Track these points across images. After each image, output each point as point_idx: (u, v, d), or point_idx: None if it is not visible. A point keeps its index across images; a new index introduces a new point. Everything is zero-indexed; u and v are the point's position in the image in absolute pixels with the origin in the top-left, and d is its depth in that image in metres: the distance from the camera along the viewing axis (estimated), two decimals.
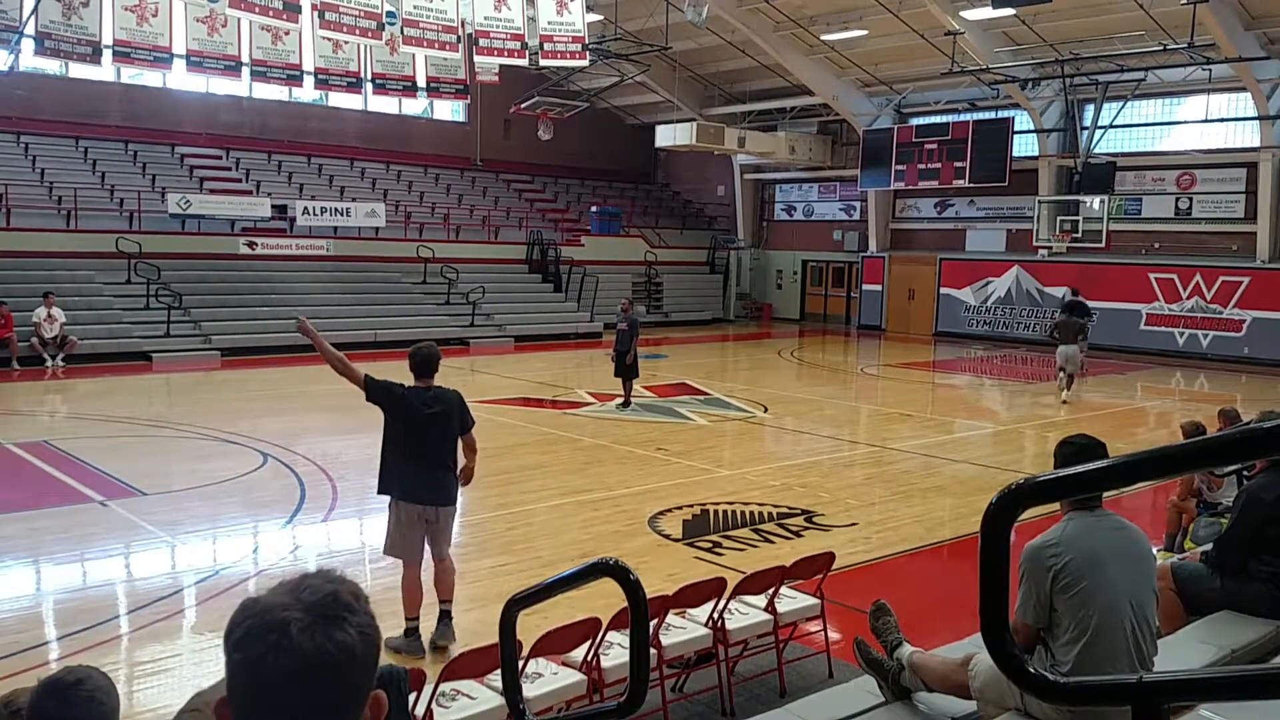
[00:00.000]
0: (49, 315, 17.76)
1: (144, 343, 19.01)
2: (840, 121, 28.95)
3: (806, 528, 8.84)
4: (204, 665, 5.93)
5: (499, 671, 4.27)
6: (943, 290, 27.99)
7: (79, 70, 21.70)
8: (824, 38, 24.88)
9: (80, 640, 6.03)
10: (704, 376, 18.68)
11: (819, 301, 31.90)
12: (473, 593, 6.99)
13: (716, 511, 9.26)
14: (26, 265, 19.24)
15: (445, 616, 6.06)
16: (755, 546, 8.25)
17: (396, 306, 23.25)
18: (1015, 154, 25.45)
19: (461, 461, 6.24)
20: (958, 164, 25.80)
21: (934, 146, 26.31)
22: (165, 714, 4.79)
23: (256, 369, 18.52)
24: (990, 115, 25.90)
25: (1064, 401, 16.38)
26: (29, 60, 19.38)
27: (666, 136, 27.52)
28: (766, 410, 15.26)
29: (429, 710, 3.99)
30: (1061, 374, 16.66)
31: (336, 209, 24.59)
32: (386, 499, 6.14)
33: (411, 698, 3.76)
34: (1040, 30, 22.32)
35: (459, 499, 6.33)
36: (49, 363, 17.50)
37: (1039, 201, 25.16)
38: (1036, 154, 25.47)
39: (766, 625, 5.41)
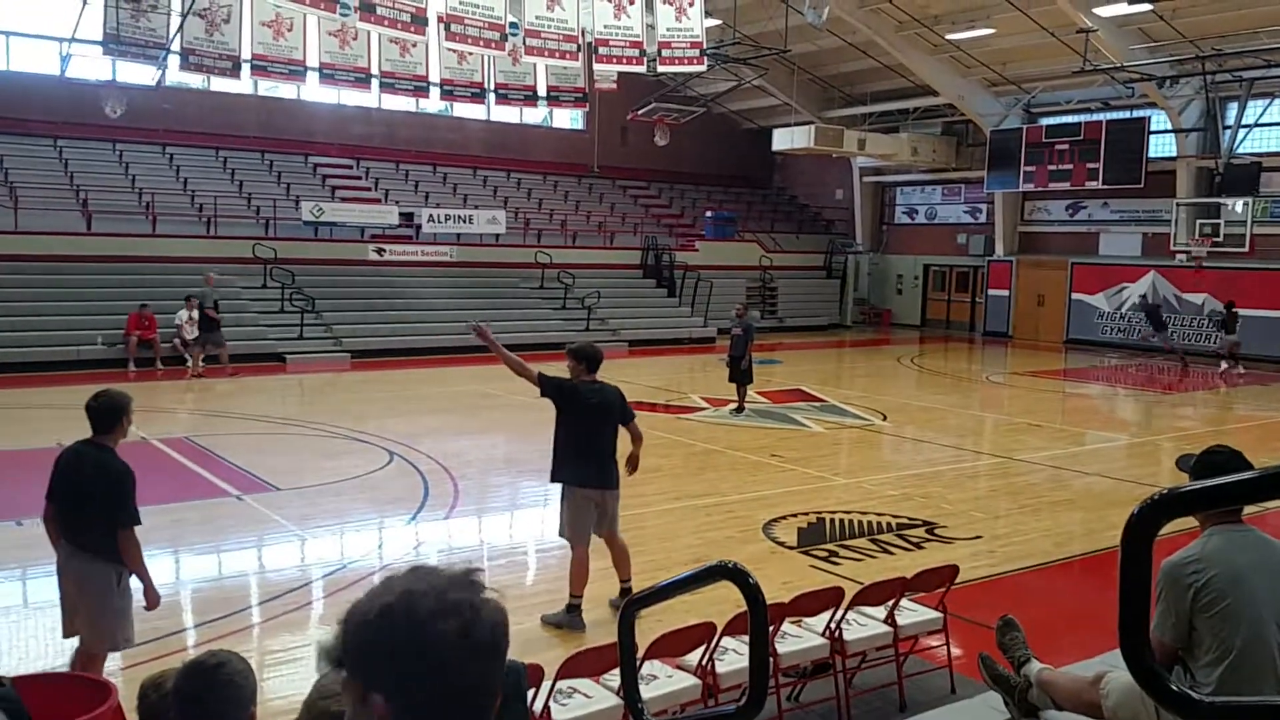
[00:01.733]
0: (190, 318, 18.71)
1: (278, 344, 19.86)
2: (965, 122, 28.21)
3: (928, 539, 8.61)
4: None
5: (615, 671, 4.29)
6: (1074, 296, 26.93)
7: (219, 84, 22.83)
8: (949, 37, 24.28)
9: (216, 628, 6.32)
10: (820, 383, 18.43)
11: (941, 307, 31.10)
12: (588, 594, 7.04)
13: (833, 520, 9.11)
14: (170, 270, 20.31)
15: (625, 594, 6.54)
16: (874, 557, 8.08)
17: (515, 311, 23.69)
18: (1151, 155, 24.31)
19: (625, 450, 6.75)
20: (1090, 165, 24.79)
21: (1065, 147, 25.35)
22: (295, 701, 4.98)
23: (383, 370, 19.13)
24: (1124, 115, 24.83)
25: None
26: (174, 75, 20.49)
27: (784, 140, 27.28)
28: (885, 418, 14.96)
29: (546, 707, 4.04)
30: None
31: (460, 216, 25.23)
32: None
33: (530, 694, 3.81)
34: (1179, 26, 21.30)
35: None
36: (190, 363, 18.44)
37: (1177, 204, 23.98)
38: (1174, 155, 24.28)
39: (886, 637, 5.30)
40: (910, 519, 9.18)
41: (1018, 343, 27.52)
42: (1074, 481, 11.12)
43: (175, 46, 18.21)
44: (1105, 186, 24.86)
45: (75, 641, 5.12)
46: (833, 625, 5.12)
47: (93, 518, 4.80)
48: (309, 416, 14.24)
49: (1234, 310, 21.22)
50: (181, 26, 17.96)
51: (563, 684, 4.22)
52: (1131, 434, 15.01)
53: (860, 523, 9.05)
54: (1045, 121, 26.80)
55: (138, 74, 21.19)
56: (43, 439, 11.89)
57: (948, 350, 26.54)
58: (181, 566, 7.86)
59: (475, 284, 24.13)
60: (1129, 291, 25.72)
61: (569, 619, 6.39)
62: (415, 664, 1.16)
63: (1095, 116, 25.40)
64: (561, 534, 6.70)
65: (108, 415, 4.87)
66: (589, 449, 6.55)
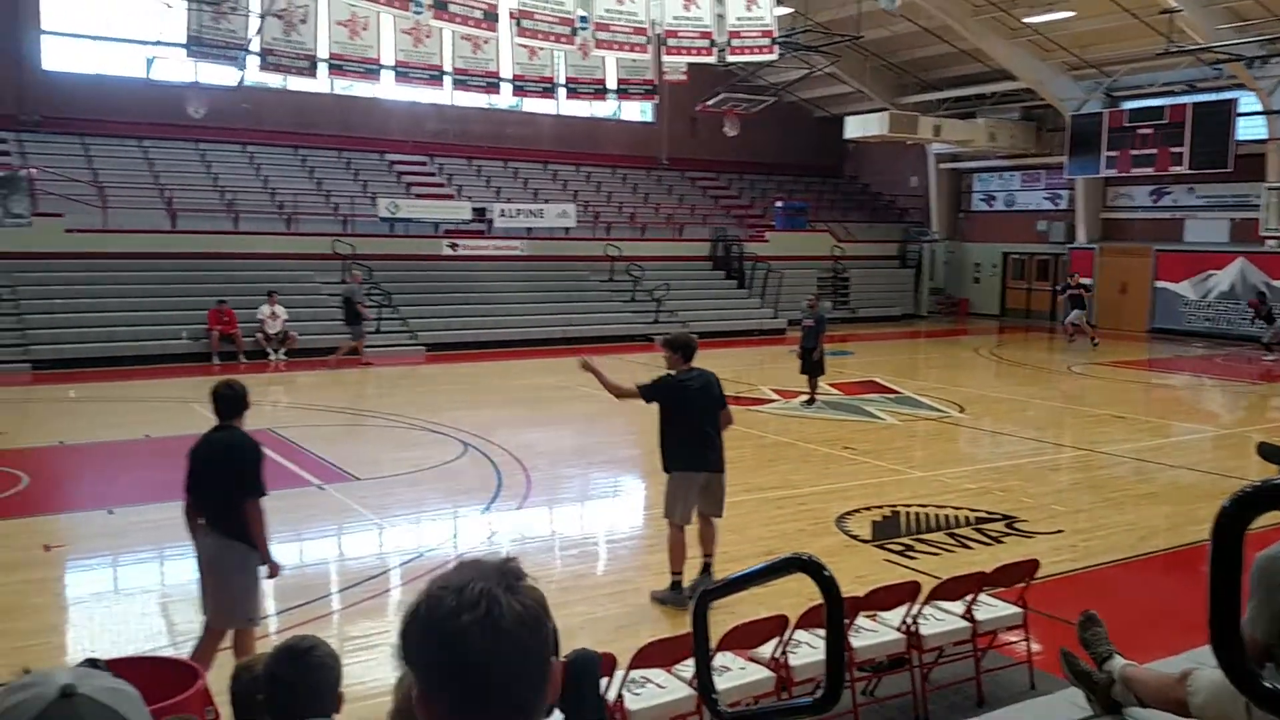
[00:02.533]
0: (272, 312, 19.22)
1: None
2: (1045, 107, 27.48)
3: (1007, 534, 8.45)
4: None
5: (687, 662, 4.30)
6: (1159, 284, 26.10)
7: (297, 84, 23.35)
8: (1027, 20, 23.68)
9: (299, 615, 6.47)
10: (894, 374, 18.17)
11: (1020, 296, 30.38)
12: (659, 585, 7.07)
13: (908, 514, 8.99)
14: (252, 266, 20.86)
15: (707, 568, 6.92)
16: (951, 551, 7.95)
17: (584, 304, 23.80)
18: (1239, 137, 23.39)
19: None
20: (1174, 149, 23.97)
21: (1148, 131, 24.55)
22: (373, 687, 5.08)
23: (457, 363, 19.39)
24: (1211, 97, 23.93)
25: None
26: (254, 75, 21.04)
27: (856, 128, 26.92)
28: (962, 410, 14.69)
29: (620, 696, 4.06)
30: None
31: (530, 210, 25.44)
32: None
33: (603, 682, 3.84)
34: (1269, 3, 20.45)
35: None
36: (272, 356, 18.94)
37: (1268, 189, 23.06)
38: (1265, 137, 23.33)
39: (964, 632, 5.22)
40: (989, 513, 9.01)
41: (1100, 332, 26.78)
42: (1158, 475, 10.80)
43: (254, 47, 18.69)
44: (1191, 171, 24.02)
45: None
46: (909, 620, 5.06)
47: (222, 496, 5.12)
48: (386, 408, 14.52)
49: None
50: (260, 28, 18.42)
51: (635, 673, 4.24)
52: (1219, 426, 14.51)
53: (937, 517, 8.91)
54: (1128, 105, 25.97)
55: (219, 75, 21.79)
56: (131, 431, 12.35)
57: (1027, 340, 25.95)
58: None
59: (545, 277, 24.32)
60: (1215, 280, 24.85)
61: (672, 596, 6.73)
62: (440, 655, 1.21)
63: (1180, 99, 24.53)
64: (667, 515, 6.96)
65: (237, 402, 5.27)
66: (698, 435, 6.84)
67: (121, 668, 3.58)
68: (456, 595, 1.21)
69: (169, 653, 5.80)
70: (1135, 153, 24.82)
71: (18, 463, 10.42)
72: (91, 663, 1.49)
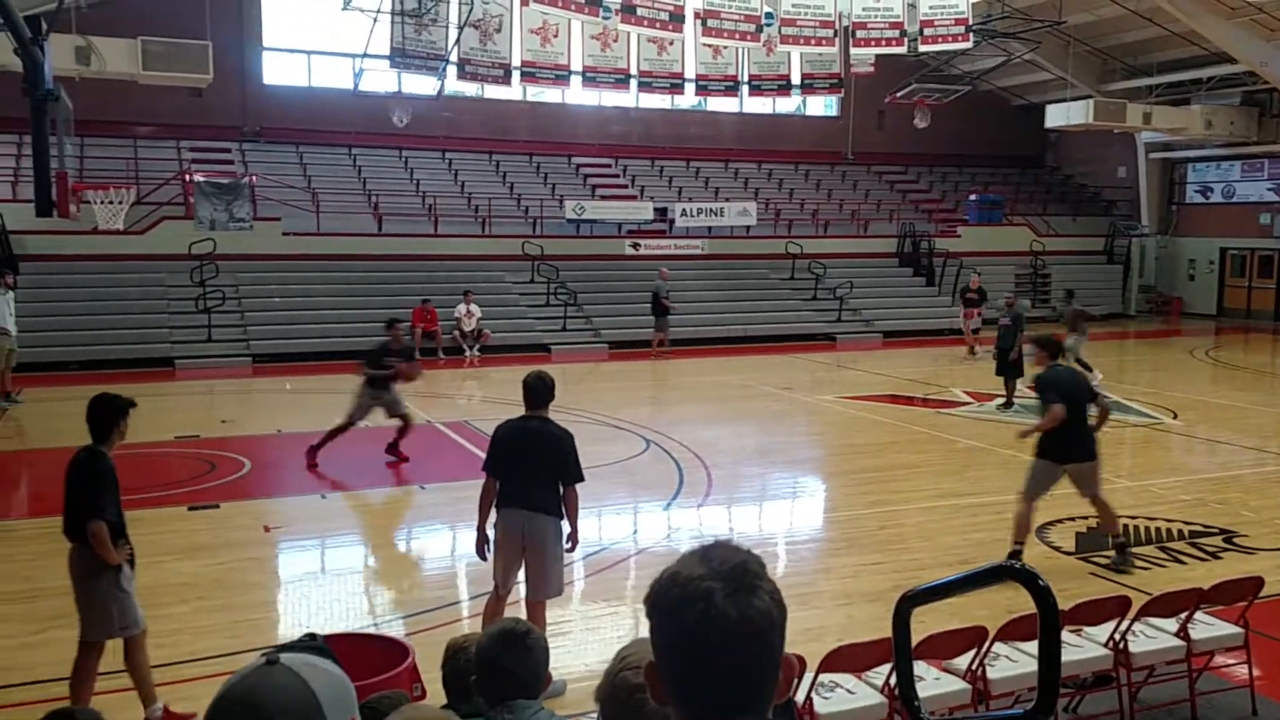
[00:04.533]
0: (468, 311, 20.10)
1: (544, 336, 20.88)
2: (1269, 90, 25.22)
3: (1225, 549, 7.83)
4: (596, 631, 6.40)
5: (879, 669, 4.19)
6: None
7: (492, 91, 24.28)
8: None
9: (481, 605, 6.69)
10: (1099, 377, 17.11)
11: (1241, 295, 28.04)
12: (843, 588, 6.93)
13: None
14: (450, 267, 21.85)
15: (1122, 547, 7.49)
16: (1163, 566, 7.44)
17: (765, 303, 23.62)
18: None
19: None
20: None
21: None
22: (564, 674, 5.21)
23: (639, 361, 19.66)
24: None
25: None
26: (452, 85, 22.02)
27: (1058, 116, 25.52)
28: (1175, 416, 13.70)
29: (809, 699, 4.00)
30: None
31: (711, 209, 25.47)
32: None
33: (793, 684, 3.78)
34: None
35: None
36: (467, 353, 19.80)
37: None
38: None
39: (1177, 652, 4.88)
40: (1205, 526, 8.37)
41: None
42: None
43: (453, 57, 19.56)
44: None
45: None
46: (1117, 636, 4.77)
47: (546, 480, 5.46)
48: (571, 404, 14.83)
49: None
50: (458, 38, 19.26)
51: (824, 677, 4.17)
52: None
53: (1147, 529, 8.35)
54: None
55: (420, 85, 22.93)
56: (338, 420, 13.14)
57: (1248, 342, 23.92)
58: (457, 541, 8.41)
59: (725, 276, 24.29)
60: None
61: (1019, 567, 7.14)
62: (667, 639, 1.24)
63: None
64: (1022, 490, 7.39)
65: (548, 393, 5.65)
66: (1075, 426, 7.23)
67: (336, 643, 3.80)
68: (682, 589, 1.22)
69: (371, 630, 6.14)
70: None
71: (241, 449, 11.30)
72: (311, 637, 1.59)
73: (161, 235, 20.09)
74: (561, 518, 5.50)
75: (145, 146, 23.11)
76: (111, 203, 17.26)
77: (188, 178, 21.10)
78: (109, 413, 4.99)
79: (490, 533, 5.60)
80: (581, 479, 5.54)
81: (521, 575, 5.60)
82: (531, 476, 5.46)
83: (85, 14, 17.15)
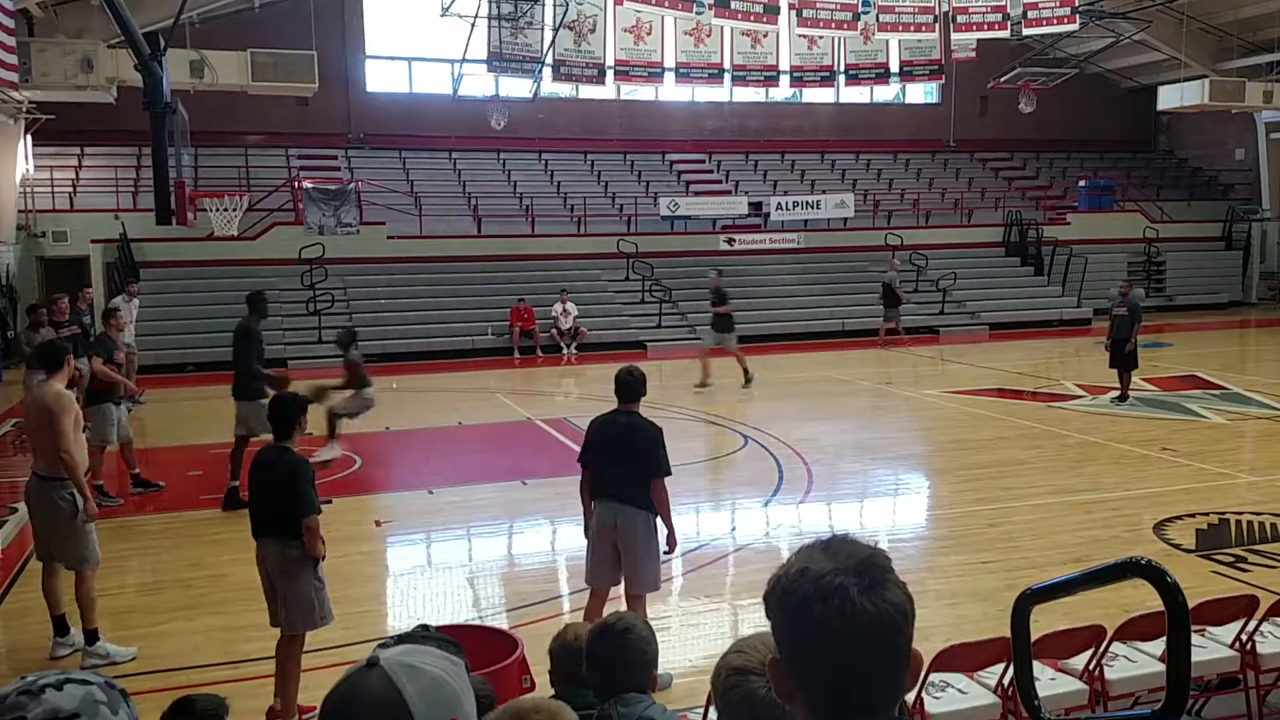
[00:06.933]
0: (564, 309, 20.33)
1: (640, 333, 20.96)
2: None
3: None
4: (697, 626, 6.39)
5: (992, 669, 4.08)
6: None
7: (586, 91, 24.46)
8: None
9: (582, 599, 6.74)
10: (1219, 368, 16.37)
11: None
12: (951, 588, 6.78)
13: (1239, 522, 8.07)
14: (546, 266, 22.10)
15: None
16: None
17: (863, 296, 23.22)
18: None
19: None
20: None
21: None
22: (667, 668, 5.21)
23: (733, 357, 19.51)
24: None
25: None
26: (547, 86, 22.28)
27: (1171, 98, 24.46)
28: None
29: (919, 698, 3.92)
30: None
31: (807, 202, 25.15)
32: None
33: None
34: None
35: None
36: (565, 350, 20.02)
37: None
38: None
39: None
40: None
41: None
42: None
43: (548, 59, 19.79)
44: None
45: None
46: (1244, 636, 4.56)
47: (634, 473, 5.51)
48: (669, 400, 14.86)
49: None
50: (553, 40, 19.47)
51: (935, 677, 4.08)
52: None
53: (1274, 526, 7.94)
54: None
55: (516, 88, 23.26)
56: (442, 418, 13.45)
57: None
58: (559, 536, 8.50)
59: (821, 269, 23.98)
60: None
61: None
62: (797, 635, 1.22)
63: None
64: None
65: (639, 388, 5.72)
66: None
67: (446, 634, 3.88)
68: (814, 584, 1.20)
69: (476, 622, 6.25)
70: None
71: (353, 446, 11.61)
72: (424, 628, 1.63)
73: (273, 240, 20.85)
74: (652, 511, 5.53)
75: (256, 155, 24.01)
76: (225, 210, 17.99)
77: (297, 184, 21.82)
78: (288, 411, 5.25)
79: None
80: (668, 473, 5.53)
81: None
82: (620, 469, 5.53)
83: (199, 29, 17.90)
